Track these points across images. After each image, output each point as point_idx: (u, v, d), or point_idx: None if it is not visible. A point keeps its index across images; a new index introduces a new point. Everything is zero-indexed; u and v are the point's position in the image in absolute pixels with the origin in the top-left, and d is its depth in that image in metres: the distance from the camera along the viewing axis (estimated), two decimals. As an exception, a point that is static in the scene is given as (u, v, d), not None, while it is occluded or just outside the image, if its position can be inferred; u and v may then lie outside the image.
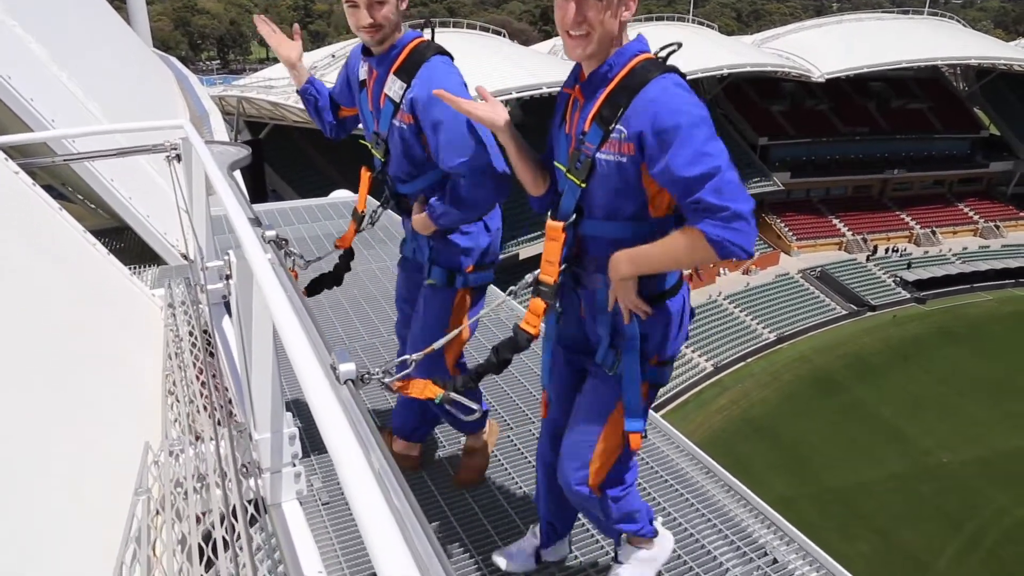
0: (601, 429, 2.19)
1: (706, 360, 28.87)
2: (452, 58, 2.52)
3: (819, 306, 33.89)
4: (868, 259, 38.21)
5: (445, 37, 2.50)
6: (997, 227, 41.08)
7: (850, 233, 39.43)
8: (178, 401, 2.31)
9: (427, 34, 2.50)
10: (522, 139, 2.15)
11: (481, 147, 2.37)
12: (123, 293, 3.04)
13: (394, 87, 2.45)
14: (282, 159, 31.23)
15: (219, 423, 1.97)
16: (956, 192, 43.04)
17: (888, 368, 27.58)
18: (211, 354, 2.56)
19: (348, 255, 2.97)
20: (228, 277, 1.90)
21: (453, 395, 2.11)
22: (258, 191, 27.75)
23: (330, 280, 2.98)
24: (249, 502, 1.75)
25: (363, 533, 0.83)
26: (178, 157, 3.13)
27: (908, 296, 35.69)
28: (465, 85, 2.45)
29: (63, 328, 2.21)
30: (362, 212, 2.86)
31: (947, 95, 44.43)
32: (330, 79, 30.27)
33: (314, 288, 2.99)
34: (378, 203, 2.84)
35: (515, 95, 26.57)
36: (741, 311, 32.39)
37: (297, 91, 2.93)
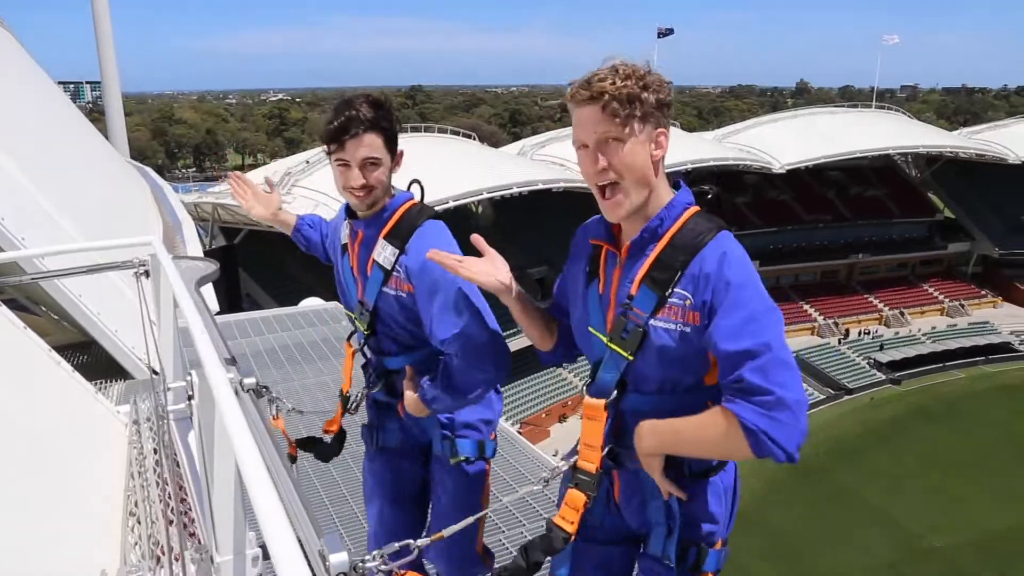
0: None
1: (688, 450, 28.47)
2: (445, 223, 2.30)
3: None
4: (840, 342, 38.71)
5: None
6: (962, 305, 42.10)
7: (821, 318, 40.10)
8: (139, 523, 2.25)
9: (417, 194, 2.30)
10: (526, 296, 1.91)
11: (477, 319, 2.09)
12: (86, 411, 3.00)
13: (385, 252, 2.21)
14: (257, 264, 31.33)
15: (181, 545, 1.92)
16: (919, 273, 44.34)
17: (870, 451, 27.46)
18: (175, 472, 2.52)
19: (341, 437, 2.59)
20: (191, 397, 1.90)
21: None
22: (233, 297, 27.69)
23: (321, 451, 2.59)
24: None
25: None
26: (147, 273, 3.17)
27: (883, 377, 36.01)
28: (460, 252, 2.19)
29: (22, 448, 2.17)
30: (348, 393, 2.51)
31: (901, 182, 46.40)
32: (304, 184, 30.57)
33: (306, 445, 2.62)
34: (363, 387, 2.50)
35: (486, 195, 27.25)
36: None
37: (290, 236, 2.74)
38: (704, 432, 1.57)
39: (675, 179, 1.72)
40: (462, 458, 2.36)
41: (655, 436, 1.64)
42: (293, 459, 2.48)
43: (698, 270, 1.58)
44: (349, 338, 2.48)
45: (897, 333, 39.86)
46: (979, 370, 36.70)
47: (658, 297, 1.61)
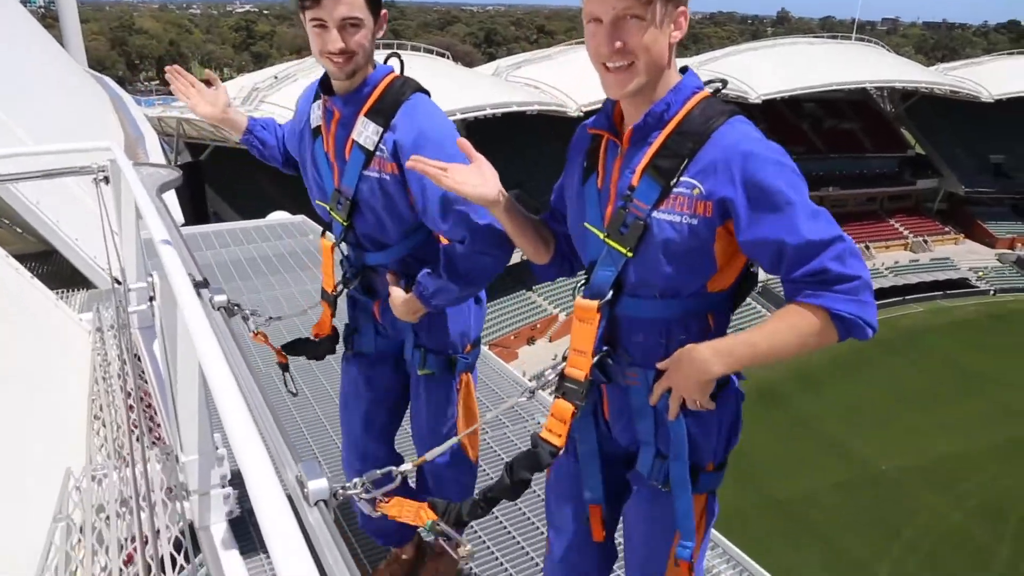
0: (667, 562, 1.77)
1: (654, 376, 29.16)
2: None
3: (762, 321, 34.70)
4: (806, 274, 39.37)
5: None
6: (926, 241, 42.91)
7: (789, 249, 40.61)
8: (104, 426, 2.27)
9: (397, 68, 2.09)
10: (517, 207, 1.77)
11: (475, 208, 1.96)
12: (48, 318, 2.96)
13: (367, 132, 2.01)
14: (224, 181, 30.64)
15: (146, 446, 1.94)
16: (887, 208, 44.88)
17: (830, 380, 28.35)
18: (140, 378, 2.52)
19: (333, 336, 2.42)
20: (152, 298, 1.87)
21: (442, 526, 1.58)
22: (199, 214, 27.17)
23: (313, 349, 2.44)
24: (176, 525, 1.73)
25: None
26: (106, 179, 3.08)
27: (845, 309, 36.86)
28: (455, 129, 2.05)
29: (-19, 354, 2.15)
30: (333, 292, 2.32)
31: (875, 116, 46.39)
32: (273, 100, 29.63)
33: (294, 348, 2.45)
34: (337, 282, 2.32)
35: (460, 116, 26.71)
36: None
37: (239, 141, 2.48)
38: (787, 336, 1.46)
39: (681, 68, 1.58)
40: (428, 371, 2.29)
41: (724, 358, 1.50)
42: (285, 367, 2.41)
43: (710, 157, 1.44)
44: (324, 233, 2.28)
45: (861, 266, 40.60)
46: (937, 304, 37.76)
47: (662, 187, 1.48)
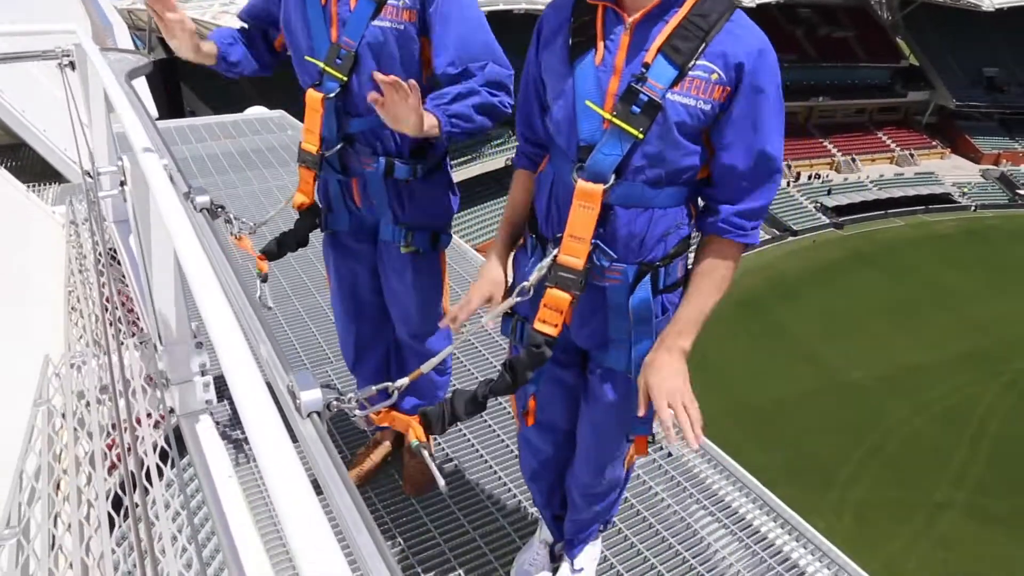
0: (630, 446, 1.94)
1: (635, 285, 29.49)
2: None
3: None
4: (790, 185, 39.32)
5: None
6: (911, 155, 42.74)
7: (775, 160, 40.35)
8: (81, 316, 2.26)
9: None
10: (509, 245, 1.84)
11: (497, 53, 1.99)
12: (19, 210, 2.90)
13: None
14: (200, 78, 29.57)
15: (123, 335, 1.94)
16: (876, 120, 44.42)
17: (807, 291, 28.83)
18: (116, 270, 2.49)
19: (310, 211, 2.30)
20: (123, 184, 1.83)
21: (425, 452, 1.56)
22: (175, 112, 26.35)
23: (293, 239, 2.34)
24: (157, 410, 1.75)
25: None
26: (71, 65, 2.95)
27: (827, 221, 37.06)
28: None
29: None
30: (319, 153, 2.15)
31: (872, 23, 45.19)
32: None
33: (276, 250, 2.35)
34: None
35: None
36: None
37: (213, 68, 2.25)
38: (723, 281, 1.59)
39: None
40: (413, 248, 2.24)
41: (690, 335, 1.60)
42: (264, 278, 2.30)
43: (727, 44, 1.42)
44: (313, 87, 2.09)
45: (846, 179, 40.54)
46: (918, 219, 38.01)
47: (679, 68, 1.42)
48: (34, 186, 4.24)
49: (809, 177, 40.22)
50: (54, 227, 2.95)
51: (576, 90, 1.52)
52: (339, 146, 2.12)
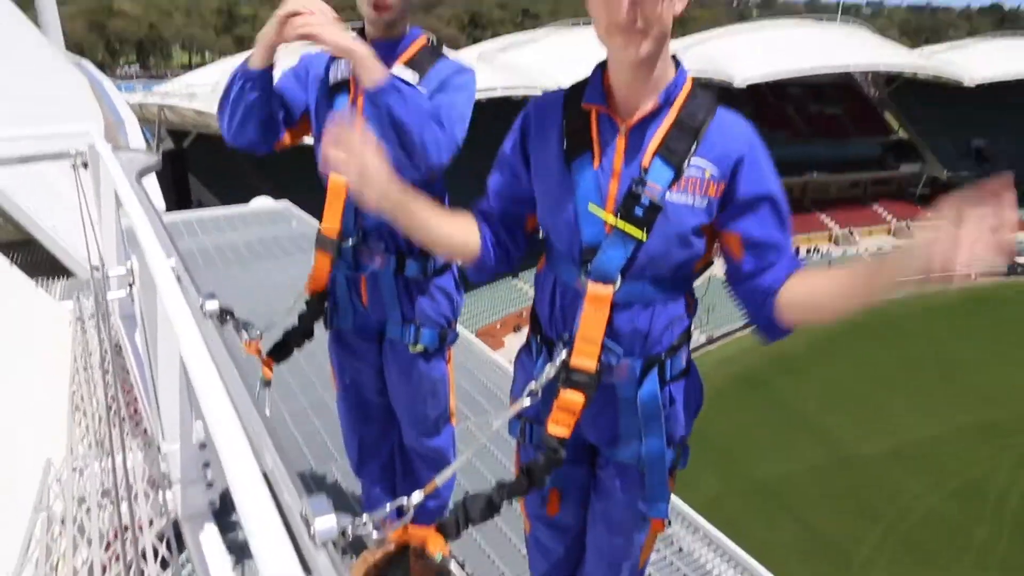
0: (644, 540, 1.85)
1: (639, 361, 29.36)
2: None
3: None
4: (791, 259, 39.70)
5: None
6: (908, 227, 43.24)
7: (773, 234, 40.88)
8: (85, 416, 2.24)
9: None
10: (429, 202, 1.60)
11: (461, 128, 1.97)
12: (27, 306, 2.92)
13: (403, 76, 2.02)
14: (207, 169, 30.33)
15: (127, 436, 1.92)
16: (871, 193, 45.21)
17: (810, 363, 28.61)
18: (121, 368, 2.49)
19: (321, 298, 2.27)
20: (132, 284, 1.84)
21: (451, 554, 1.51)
22: (182, 202, 26.91)
23: (300, 334, 2.29)
24: (159, 515, 1.72)
25: None
26: (85, 164, 3.03)
27: (828, 294, 37.22)
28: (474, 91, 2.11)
29: (-43, 344, 2.11)
30: (337, 239, 2.14)
31: (860, 99, 46.63)
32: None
33: (280, 352, 2.30)
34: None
35: (445, 101, 26.51)
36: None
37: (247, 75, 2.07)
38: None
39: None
40: (421, 347, 2.22)
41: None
42: (267, 383, 2.25)
43: (717, 140, 1.47)
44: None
45: (845, 252, 40.92)
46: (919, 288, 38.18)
47: (676, 169, 1.47)
48: (42, 281, 4.28)
49: (808, 251, 40.60)
50: (61, 323, 2.97)
51: (577, 193, 1.53)
52: (354, 238, 2.13)
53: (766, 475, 21.55)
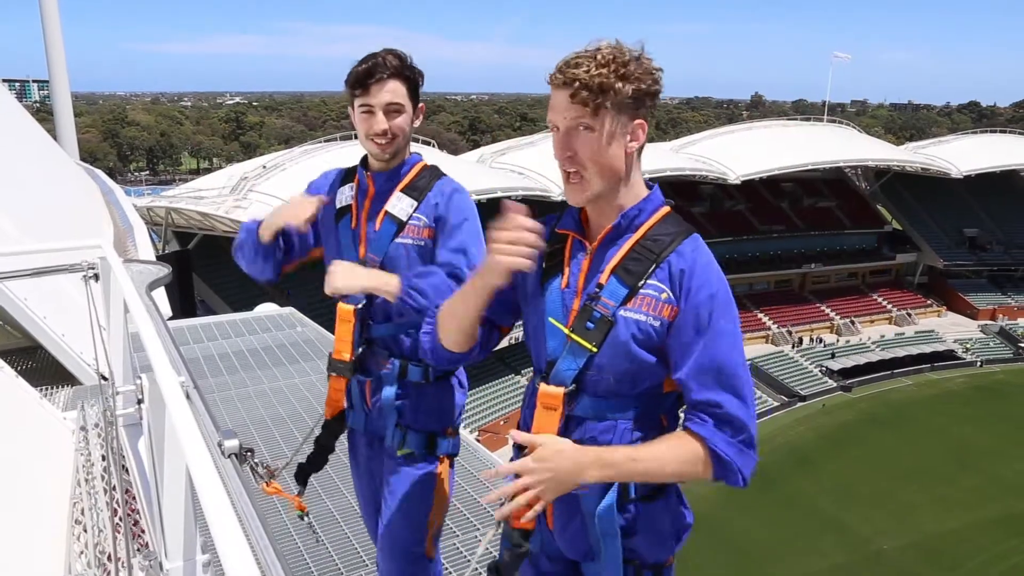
0: None
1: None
2: None
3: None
4: (793, 348, 39.53)
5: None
6: (909, 315, 43.38)
7: (775, 326, 40.89)
8: (85, 531, 2.21)
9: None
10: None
11: (477, 252, 2.14)
12: (31, 417, 2.92)
13: (401, 204, 2.20)
14: (212, 270, 30.74)
15: (128, 552, 1.89)
16: (869, 283, 45.60)
17: (822, 457, 28.07)
18: (124, 479, 2.46)
19: (340, 419, 2.38)
20: (141, 401, 1.86)
21: None
22: (187, 303, 27.12)
23: (318, 459, 2.42)
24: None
25: None
26: (96, 276, 3.10)
27: (835, 385, 36.85)
28: (475, 209, 2.27)
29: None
30: (351, 362, 2.27)
31: (852, 194, 47.68)
32: (261, 188, 30.13)
33: (303, 477, 2.42)
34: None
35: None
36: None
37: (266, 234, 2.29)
38: (668, 457, 1.53)
39: (646, 181, 1.68)
40: (407, 451, 2.25)
41: (605, 469, 1.53)
42: (304, 514, 2.33)
43: (677, 267, 1.53)
44: (343, 299, 2.27)
45: (848, 341, 40.86)
46: (925, 377, 37.85)
47: (630, 288, 1.54)
48: (47, 389, 4.29)
49: (811, 340, 40.55)
50: (64, 434, 2.96)
51: (545, 311, 1.64)
52: (361, 349, 2.26)
53: (785, 575, 20.72)
